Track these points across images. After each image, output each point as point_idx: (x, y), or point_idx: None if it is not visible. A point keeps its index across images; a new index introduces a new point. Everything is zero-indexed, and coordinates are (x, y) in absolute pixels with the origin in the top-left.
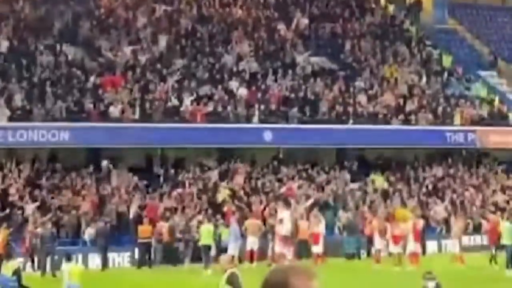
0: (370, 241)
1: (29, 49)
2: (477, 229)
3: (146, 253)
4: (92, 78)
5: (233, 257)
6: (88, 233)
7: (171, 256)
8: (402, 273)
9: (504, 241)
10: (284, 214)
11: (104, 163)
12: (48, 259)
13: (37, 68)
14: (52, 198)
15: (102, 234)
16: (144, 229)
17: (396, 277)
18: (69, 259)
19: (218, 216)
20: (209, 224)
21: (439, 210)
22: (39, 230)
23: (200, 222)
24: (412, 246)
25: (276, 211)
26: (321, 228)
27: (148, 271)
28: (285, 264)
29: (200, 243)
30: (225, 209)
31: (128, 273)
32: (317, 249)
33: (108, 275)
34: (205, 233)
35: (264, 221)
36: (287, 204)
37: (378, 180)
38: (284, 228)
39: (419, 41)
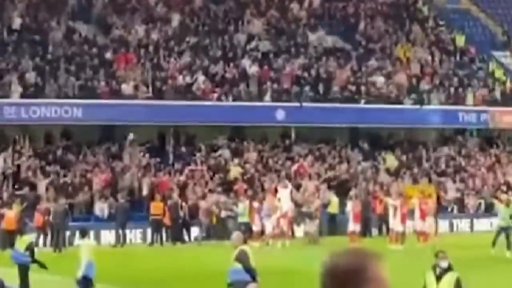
0: (381, 219)
1: (42, 26)
2: (488, 209)
3: (158, 230)
4: (105, 56)
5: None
6: (100, 209)
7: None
8: (411, 251)
9: (503, 222)
10: (283, 193)
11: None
12: (61, 235)
13: (50, 45)
14: (65, 174)
15: (121, 211)
16: (155, 206)
17: (406, 256)
18: (84, 235)
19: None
20: (246, 202)
21: (450, 189)
22: (51, 206)
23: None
24: (421, 224)
25: (276, 190)
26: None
27: (160, 248)
28: (347, 248)
29: (239, 220)
30: (236, 187)
31: (142, 250)
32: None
33: (121, 252)
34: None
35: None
36: (285, 184)
37: (390, 160)
38: (283, 207)
39: (432, 21)
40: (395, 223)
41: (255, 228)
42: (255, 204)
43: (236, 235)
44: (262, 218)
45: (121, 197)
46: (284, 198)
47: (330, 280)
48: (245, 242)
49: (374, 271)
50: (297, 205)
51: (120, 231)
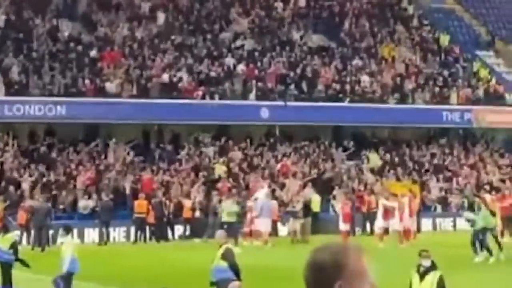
0: (365, 218)
1: (27, 24)
2: (471, 208)
3: (142, 228)
4: (89, 53)
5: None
6: (84, 207)
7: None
8: (395, 250)
9: (481, 225)
10: (259, 194)
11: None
12: (44, 233)
13: (34, 43)
14: (49, 172)
15: (104, 209)
16: (139, 204)
17: (390, 254)
18: (68, 232)
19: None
20: (232, 201)
21: (434, 188)
22: (33, 204)
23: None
24: (410, 222)
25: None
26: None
27: (144, 246)
28: (328, 243)
29: (223, 220)
30: (220, 185)
31: (126, 248)
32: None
33: (104, 250)
34: (228, 210)
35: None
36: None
37: (374, 158)
38: (258, 207)
39: (416, 21)
40: (395, 222)
41: (247, 228)
42: (249, 203)
43: (220, 233)
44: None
45: (105, 195)
46: (260, 199)
47: (311, 275)
48: (236, 241)
49: (355, 265)
50: (282, 204)
51: (104, 229)
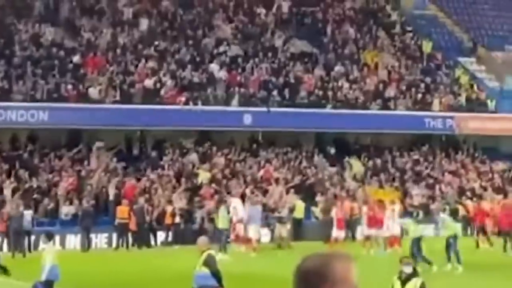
0: (348, 224)
1: (9, 29)
2: (453, 215)
3: (123, 234)
4: (72, 59)
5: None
6: (66, 213)
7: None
8: (379, 256)
9: (448, 234)
10: (235, 203)
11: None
12: (22, 240)
13: (16, 48)
14: (31, 178)
15: (86, 215)
16: (121, 210)
17: (376, 261)
18: (50, 238)
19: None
20: (225, 208)
21: (416, 195)
22: (10, 210)
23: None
24: (393, 229)
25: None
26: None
27: (126, 252)
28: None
29: (218, 227)
30: (202, 191)
31: (108, 255)
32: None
33: (86, 257)
34: (222, 217)
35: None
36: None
37: (356, 165)
38: (239, 214)
39: (399, 27)
40: (390, 227)
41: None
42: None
43: (202, 239)
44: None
45: (86, 202)
46: (238, 207)
47: (298, 280)
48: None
49: (340, 273)
50: (269, 210)
51: (85, 236)
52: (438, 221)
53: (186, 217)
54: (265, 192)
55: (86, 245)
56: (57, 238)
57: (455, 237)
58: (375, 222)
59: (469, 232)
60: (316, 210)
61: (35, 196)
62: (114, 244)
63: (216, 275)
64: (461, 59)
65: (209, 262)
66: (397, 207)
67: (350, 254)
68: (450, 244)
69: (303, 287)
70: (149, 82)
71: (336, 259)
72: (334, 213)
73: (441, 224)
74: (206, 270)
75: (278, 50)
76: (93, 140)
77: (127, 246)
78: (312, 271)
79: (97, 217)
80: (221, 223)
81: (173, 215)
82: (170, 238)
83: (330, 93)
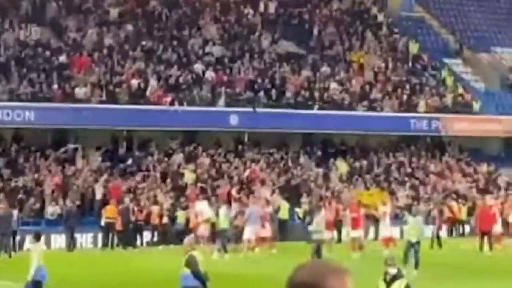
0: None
1: None
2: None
3: (109, 234)
4: (58, 59)
5: (249, 240)
6: (51, 213)
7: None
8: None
9: (410, 237)
10: (201, 206)
11: (71, 146)
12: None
13: (2, 48)
14: (16, 178)
15: (70, 215)
16: (107, 210)
17: (362, 262)
18: (38, 238)
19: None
20: (226, 208)
21: (401, 196)
22: None
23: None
24: (385, 230)
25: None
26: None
27: (111, 252)
28: (310, 261)
29: (219, 227)
30: (188, 191)
31: (94, 254)
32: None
33: (72, 256)
34: (223, 217)
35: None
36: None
37: (342, 166)
38: (204, 216)
39: (386, 28)
40: (383, 228)
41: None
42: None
43: (187, 239)
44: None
45: (70, 202)
46: (204, 210)
47: None
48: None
49: (333, 286)
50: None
51: (69, 236)
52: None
53: (172, 217)
54: (250, 193)
55: (71, 245)
56: (43, 238)
57: (418, 241)
58: (358, 224)
59: (454, 234)
60: (300, 211)
61: (20, 195)
62: (100, 244)
63: (197, 275)
64: (447, 61)
65: (190, 263)
66: (389, 208)
67: (346, 268)
68: (412, 247)
69: None
70: (135, 82)
71: (331, 274)
72: (322, 214)
73: (413, 226)
74: (188, 271)
75: (265, 50)
76: (79, 140)
77: (112, 246)
78: (305, 283)
79: (83, 217)
80: (222, 223)
81: (160, 215)
82: (155, 238)
83: (316, 94)
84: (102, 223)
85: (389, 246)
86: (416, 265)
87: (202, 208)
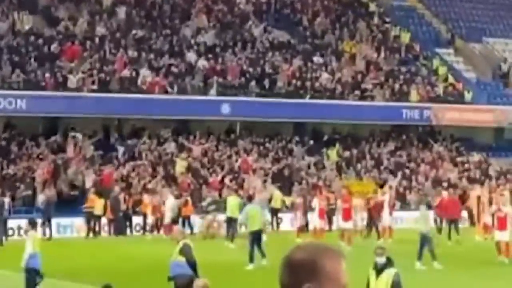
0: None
1: None
2: (430, 205)
3: (95, 222)
4: (50, 47)
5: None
6: (42, 202)
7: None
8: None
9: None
10: (168, 200)
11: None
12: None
13: None
14: (8, 166)
15: (49, 203)
16: (92, 199)
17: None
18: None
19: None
20: (236, 197)
21: (393, 185)
22: None
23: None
24: (385, 220)
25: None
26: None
27: (101, 240)
28: (309, 241)
29: (226, 215)
30: (179, 180)
31: (81, 243)
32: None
33: (57, 244)
34: (233, 206)
35: (220, 193)
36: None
37: (333, 155)
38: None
39: (378, 18)
40: (385, 217)
41: None
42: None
43: (177, 229)
44: None
45: (48, 190)
46: (168, 204)
47: (285, 272)
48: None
49: (329, 271)
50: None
51: (46, 224)
52: (419, 214)
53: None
54: (242, 182)
55: (48, 233)
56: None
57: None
58: (349, 216)
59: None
60: (288, 199)
61: (11, 184)
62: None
63: (191, 263)
64: (439, 50)
65: (185, 251)
66: (387, 197)
67: (341, 250)
68: (426, 240)
69: (288, 279)
70: (127, 71)
71: (326, 255)
72: (315, 203)
73: (420, 217)
74: (182, 259)
75: (257, 39)
76: (71, 128)
77: (94, 234)
78: (300, 264)
79: (74, 204)
80: (231, 212)
81: (152, 205)
82: (147, 227)
83: (308, 83)
84: (83, 211)
85: (384, 236)
86: (433, 257)
87: (169, 199)
